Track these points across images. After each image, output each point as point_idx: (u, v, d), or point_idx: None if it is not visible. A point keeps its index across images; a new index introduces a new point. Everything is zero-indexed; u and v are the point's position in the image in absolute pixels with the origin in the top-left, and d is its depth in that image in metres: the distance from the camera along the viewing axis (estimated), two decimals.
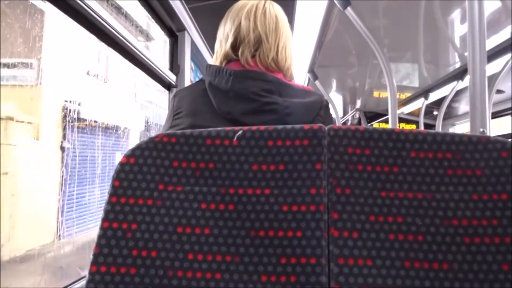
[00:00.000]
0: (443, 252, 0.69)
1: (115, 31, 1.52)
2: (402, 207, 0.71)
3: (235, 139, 0.74)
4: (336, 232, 0.70)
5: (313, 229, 0.70)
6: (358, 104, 6.27)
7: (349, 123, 7.47)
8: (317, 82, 4.11)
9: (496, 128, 4.68)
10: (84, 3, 1.30)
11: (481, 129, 0.98)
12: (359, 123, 6.95)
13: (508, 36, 2.75)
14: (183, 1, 2.20)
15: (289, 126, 0.74)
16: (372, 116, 6.76)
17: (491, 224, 0.70)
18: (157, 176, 0.74)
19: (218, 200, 0.73)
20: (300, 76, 4.58)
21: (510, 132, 4.43)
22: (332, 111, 5.23)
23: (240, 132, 0.74)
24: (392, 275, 0.69)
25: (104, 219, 0.72)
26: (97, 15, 1.39)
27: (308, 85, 4.81)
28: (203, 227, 0.72)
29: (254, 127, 0.75)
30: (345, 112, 7.10)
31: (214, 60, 1.10)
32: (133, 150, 0.74)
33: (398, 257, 0.69)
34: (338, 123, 5.38)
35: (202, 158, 0.74)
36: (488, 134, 0.93)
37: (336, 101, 6.00)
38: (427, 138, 0.73)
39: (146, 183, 0.73)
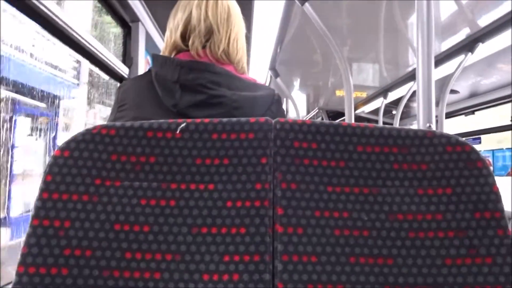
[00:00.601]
0: (388, 247, 0.69)
1: (59, 19, 1.44)
2: (348, 202, 0.70)
3: (178, 132, 0.71)
4: (280, 228, 0.68)
5: (257, 225, 0.68)
6: (321, 102, 6.34)
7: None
8: (278, 80, 4.11)
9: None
10: None
11: (428, 124, 0.99)
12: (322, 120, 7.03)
13: (462, 37, 2.85)
14: None
15: (234, 119, 0.71)
16: (334, 115, 6.85)
17: (435, 218, 0.70)
18: (94, 170, 0.69)
19: (159, 195, 0.69)
20: (261, 73, 4.57)
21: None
22: (293, 110, 5.27)
23: (183, 125, 0.71)
24: (337, 271, 0.68)
25: (34, 217, 0.67)
26: (45, 7, 1.31)
27: (269, 82, 4.81)
28: (142, 224, 0.68)
29: (198, 120, 0.72)
30: (308, 111, 7.17)
31: (163, 50, 1.06)
32: (68, 142, 0.70)
33: (343, 253, 0.68)
34: None
35: (142, 151, 0.70)
36: (434, 129, 0.94)
37: (299, 99, 6.04)
38: (374, 132, 0.72)
39: (81, 178, 0.69)
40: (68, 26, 1.50)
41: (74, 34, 1.57)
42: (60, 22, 1.44)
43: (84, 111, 2.18)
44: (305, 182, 0.70)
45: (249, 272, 0.67)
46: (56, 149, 0.70)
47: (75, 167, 0.69)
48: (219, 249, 0.68)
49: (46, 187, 0.68)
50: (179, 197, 0.69)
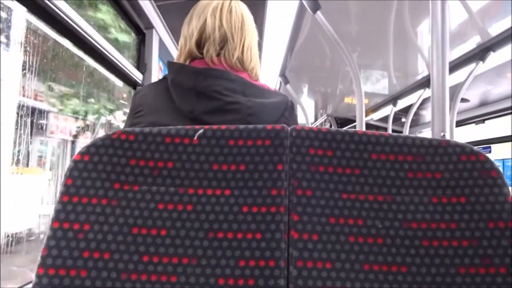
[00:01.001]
0: (402, 255, 0.69)
1: (79, 27, 1.47)
2: (362, 210, 0.71)
3: (195, 138, 0.72)
4: (296, 234, 0.69)
5: (273, 231, 0.69)
6: (329, 109, 6.34)
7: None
8: (288, 86, 4.12)
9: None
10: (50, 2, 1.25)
11: (442, 133, 1.00)
12: (331, 127, 7.01)
13: (473, 46, 2.84)
14: None
15: (251, 126, 0.73)
16: (342, 122, 6.84)
17: (449, 227, 0.70)
18: (113, 174, 0.71)
19: (176, 200, 0.71)
20: (271, 80, 4.59)
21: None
22: (302, 116, 5.27)
23: (201, 131, 0.72)
24: (351, 278, 0.68)
25: (54, 219, 0.68)
26: (61, 11, 1.34)
27: (279, 89, 4.83)
28: (160, 228, 0.70)
29: (215, 126, 0.73)
30: (316, 117, 7.17)
31: (177, 57, 1.08)
32: (88, 147, 0.71)
33: (358, 260, 0.69)
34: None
35: (160, 156, 0.72)
36: (448, 138, 0.94)
37: (307, 105, 6.04)
38: (389, 141, 0.73)
39: (100, 182, 0.70)
40: (85, 32, 1.53)
41: (91, 40, 1.59)
42: (78, 28, 1.47)
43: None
44: (320, 189, 0.71)
45: (264, 277, 0.68)
46: (76, 154, 0.71)
47: (94, 171, 0.70)
48: (235, 254, 0.69)
49: (66, 191, 0.69)
50: (196, 202, 0.70)
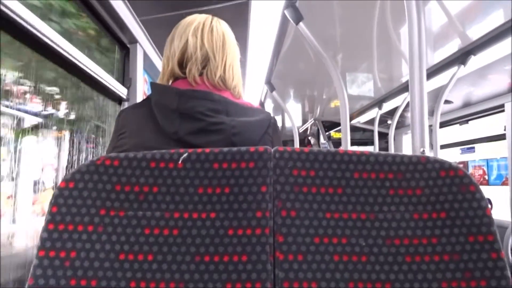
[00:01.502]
0: (385, 272, 0.71)
1: (56, 44, 1.45)
2: (346, 228, 0.72)
3: (180, 162, 0.73)
4: (281, 255, 0.70)
5: (259, 253, 0.70)
6: (317, 113, 6.37)
7: (308, 132, 7.57)
8: (274, 93, 4.14)
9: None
10: (22, 19, 1.24)
11: (421, 149, 1.02)
12: (318, 131, 7.05)
13: (455, 49, 2.89)
14: (134, 14, 2.16)
15: (235, 149, 0.74)
16: (329, 125, 6.88)
17: (430, 242, 0.72)
18: (99, 200, 0.71)
19: (162, 224, 0.71)
20: (257, 87, 4.60)
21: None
22: (288, 122, 5.27)
23: (185, 155, 0.73)
24: None
25: (40, 248, 0.68)
26: (37, 31, 1.33)
27: (265, 96, 4.84)
28: (147, 253, 0.70)
29: (199, 150, 0.74)
30: (304, 122, 7.20)
31: (160, 77, 1.08)
32: (73, 173, 0.72)
33: (343, 279, 0.70)
34: (296, 133, 5.44)
35: (146, 181, 0.72)
36: (427, 154, 0.96)
37: (294, 110, 6.06)
38: (369, 159, 0.74)
39: (86, 208, 0.71)
40: (65, 50, 1.52)
41: (71, 58, 1.58)
42: (56, 47, 1.46)
43: None
44: (304, 209, 0.73)
45: None
46: (61, 181, 0.71)
47: (80, 198, 0.71)
48: (222, 276, 0.69)
49: (52, 218, 0.69)
50: (182, 226, 0.71)
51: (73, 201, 0.70)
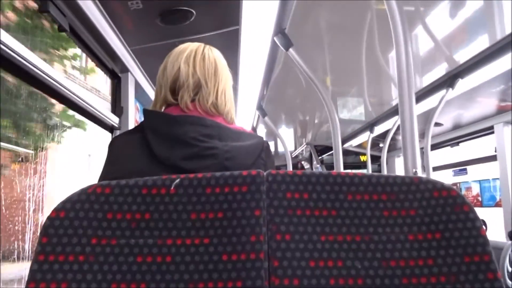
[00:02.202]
0: None
1: (48, 76, 1.46)
2: (341, 251, 0.72)
3: (172, 188, 0.72)
4: (277, 280, 0.69)
5: (254, 278, 0.69)
6: (309, 137, 6.40)
7: (300, 157, 7.59)
8: (266, 118, 4.17)
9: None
10: (8, 47, 1.25)
11: (414, 170, 1.02)
12: (311, 156, 7.07)
13: (443, 73, 2.95)
14: (125, 43, 2.19)
15: (227, 173, 0.73)
16: (322, 149, 6.90)
17: (426, 263, 0.71)
18: (90, 230, 0.70)
19: (155, 252, 0.70)
20: (249, 113, 4.63)
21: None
22: (281, 147, 5.29)
23: (177, 180, 0.73)
24: None
25: (30, 280, 0.66)
26: (27, 61, 1.33)
27: (257, 121, 4.87)
28: (139, 282, 0.68)
29: (191, 175, 0.73)
30: (295, 146, 7.22)
31: (153, 104, 1.09)
32: (64, 203, 0.71)
33: None
34: (288, 158, 5.45)
35: (138, 208, 0.71)
36: (419, 175, 0.96)
37: (286, 135, 6.09)
38: (362, 181, 0.74)
39: (77, 238, 0.69)
40: (55, 80, 1.52)
41: (61, 87, 1.58)
42: (46, 77, 1.46)
43: None
44: (298, 232, 0.72)
45: None
46: (52, 211, 0.70)
47: (71, 228, 0.69)
48: None
49: (42, 249, 0.68)
50: (175, 253, 0.70)
51: (64, 231, 0.69)
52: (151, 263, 0.69)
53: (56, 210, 0.70)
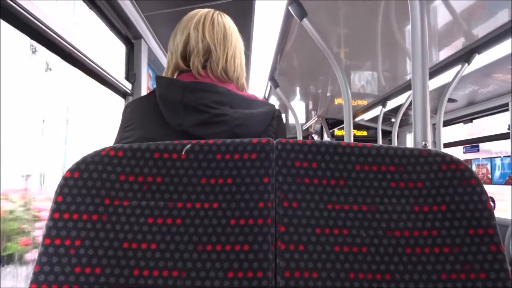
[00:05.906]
0: (385, 263, 0.71)
1: (62, 39, 1.47)
2: (347, 220, 0.73)
3: (183, 153, 0.74)
4: (283, 245, 0.71)
5: (260, 243, 0.71)
6: (320, 110, 6.36)
7: (312, 129, 7.58)
8: (278, 90, 4.14)
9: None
10: (27, 12, 1.25)
11: (423, 143, 1.02)
12: (322, 130, 7.06)
13: (459, 47, 2.89)
14: (138, 10, 2.18)
15: (237, 140, 0.75)
16: (333, 122, 6.88)
17: (431, 234, 0.73)
18: (103, 190, 0.72)
19: (165, 214, 0.72)
20: (261, 83, 4.60)
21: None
22: (292, 119, 5.29)
23: (188, 146, 0.74)
24: (337, 287, 0.70)
25: (46, 236, 0.69)
26: (41, 22, 1.34)
27: (269, 92, 4.84)
28: (150, 242, 0.71)
29: (202, 141, 0.75)
30: (307, 119, 7.20)
31: (165, 70, 1.10)
32: (78, 164, 0.73)
33: (343, 269, 0.71)
34: (299, 130, 5.44)
35: (149, 172, 0.73)
36: (429, 147, 0.97)
37: (298, 107, 6.07)
38: (371, 152, 0.75)
39: (91, 198, 0.72)
40: (73, 46, 1.53)
41: (78, 53, 1.60)
42: (64, 43, 1.47)
43: None
44: (306, 200, 0.73)
45: None
46: (66, 171, 0.73)
47: (84, 188, 0.72)
48: (224, 265, 0.70)
49: (57, 207, 0.70)
50: (185, 216, 0.72)
51: (78, 190, 0.71)
52: (161, 225, 0.72)
53: (71, 170, 0.72)
